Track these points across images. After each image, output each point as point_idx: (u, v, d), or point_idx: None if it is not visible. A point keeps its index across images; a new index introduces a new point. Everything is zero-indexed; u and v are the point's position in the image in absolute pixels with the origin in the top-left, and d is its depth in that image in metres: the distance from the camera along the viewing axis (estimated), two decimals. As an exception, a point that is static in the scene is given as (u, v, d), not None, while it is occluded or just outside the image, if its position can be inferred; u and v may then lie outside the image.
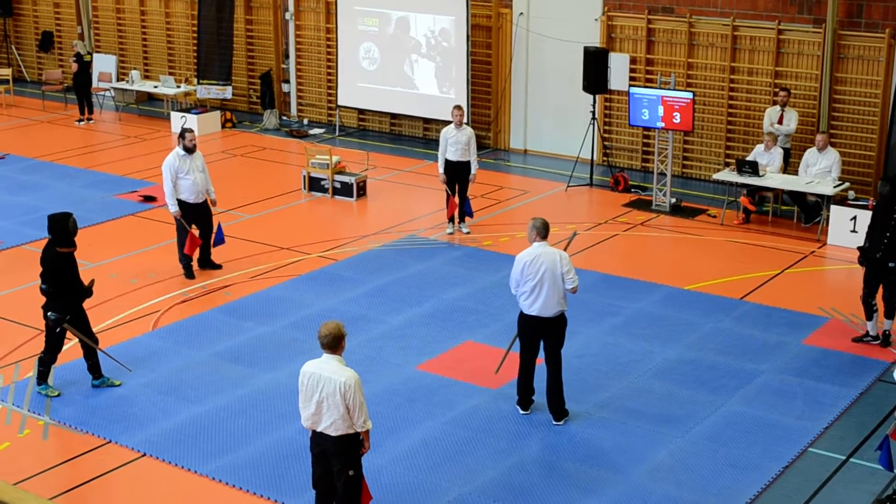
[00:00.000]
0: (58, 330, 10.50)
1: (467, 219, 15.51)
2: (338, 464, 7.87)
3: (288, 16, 22.22)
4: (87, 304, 10.74)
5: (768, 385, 10.95)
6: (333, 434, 7.76)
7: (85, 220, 15.24)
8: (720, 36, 17.62)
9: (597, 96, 17.94)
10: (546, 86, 19.58)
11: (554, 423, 10.13)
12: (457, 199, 15.23)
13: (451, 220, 15.43)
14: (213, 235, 13.92)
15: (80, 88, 22.12)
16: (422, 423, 10.17)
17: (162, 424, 10.14)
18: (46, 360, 10.65)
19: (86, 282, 10.73)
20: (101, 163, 19.23)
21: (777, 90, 16.83)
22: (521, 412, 10.33)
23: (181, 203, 13.58)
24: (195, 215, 13.71)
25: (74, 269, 10.57)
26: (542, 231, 9.94)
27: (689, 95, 16.38)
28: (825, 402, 10.60)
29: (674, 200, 16.72)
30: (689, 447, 9.77)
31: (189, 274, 13.77)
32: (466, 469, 9.39)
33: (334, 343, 7.75)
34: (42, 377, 10.66)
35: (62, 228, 10.45)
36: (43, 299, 10.51)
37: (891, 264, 11.56)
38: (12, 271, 14.02)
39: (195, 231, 13.67)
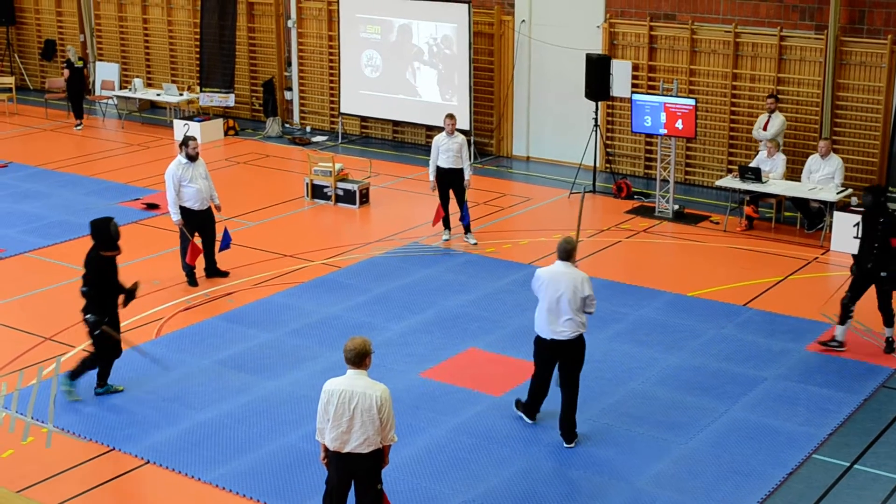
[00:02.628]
0: (96, 332, 10.52)
1: (473, 228, 15.46)
2: (367, 480, 7.88)
3: (290, 23, 22.25)
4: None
5: (772, 391, 10.95)
6: (366, 451, 7.74)
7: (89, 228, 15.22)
8: (722, 43, 17.62)
9: (599, 103, 17.95)
10: (548, 93, 19.59)
11: (565, 446, 9.89)
12: (443, 210, 15.20)
13: (447, 227, 15.39)
14: (219, 242, 13.93)
15: (73, 95, 22.27)
16: (425, 430, 10.17)
17: (165, 432, 10.14)
18: (100, 363, 10.68)
19: (128, 284, 10.80)
20: (104, 171, 19.24)
21: (766, 97, 16.83)
22: (527, 420, 10.31)
23: (185, 210, 13.58)
24: (198, 222, 13.71)
25: (115, 273, 10.69)
26: (563, 253, 9.67)
27: (692, 102, 16.40)
28: (829, 409, 10.59)
29: (676, 207, 16.72)
30: (693, 454, 9.76)
31: (192, 281, 13.77)
32: (470, 476, 9.39)
33: (361, 359, 7.73)
34: (101, 378, 10.74)
35: (105, 233, 10.58)
36: (83, 301, 10.56)
37: (883, 273, 11.56)
38: (15, 280, 14.03)
39: (197, 240, 13.68)
